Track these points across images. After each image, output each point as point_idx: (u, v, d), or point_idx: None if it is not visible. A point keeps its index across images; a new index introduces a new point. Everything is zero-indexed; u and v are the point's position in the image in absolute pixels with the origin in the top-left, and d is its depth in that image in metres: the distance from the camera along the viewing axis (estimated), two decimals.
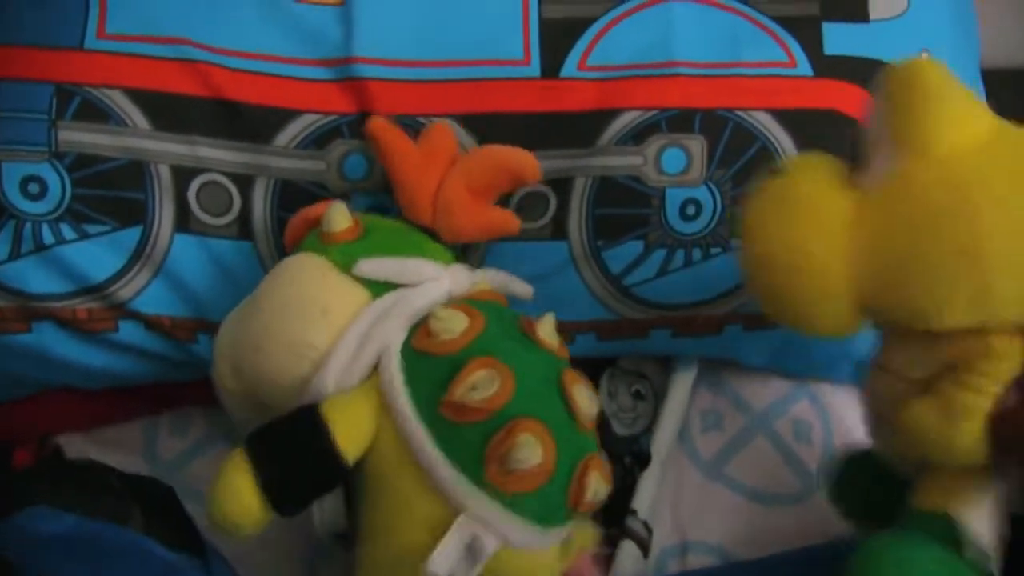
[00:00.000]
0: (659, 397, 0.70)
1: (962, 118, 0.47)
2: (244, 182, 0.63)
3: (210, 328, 0.62)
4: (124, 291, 0.62)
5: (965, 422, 0.47)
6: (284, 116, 0.62)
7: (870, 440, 0.56)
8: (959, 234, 0.45)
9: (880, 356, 0.53)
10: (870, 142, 0.49)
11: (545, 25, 0.64)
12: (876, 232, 0.47)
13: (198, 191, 0.62)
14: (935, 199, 0.46)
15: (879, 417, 0.53)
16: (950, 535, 0.49)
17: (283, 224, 0.61)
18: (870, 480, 0.58)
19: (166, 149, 0.62)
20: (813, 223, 0.48)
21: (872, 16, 0.67)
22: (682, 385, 0.70)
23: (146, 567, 0.49)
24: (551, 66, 0.63)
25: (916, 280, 0.47)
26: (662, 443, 0.68)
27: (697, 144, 0.64)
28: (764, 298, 0.51)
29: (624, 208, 0.64)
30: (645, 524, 0.64)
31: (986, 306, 0.46)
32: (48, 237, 0.61)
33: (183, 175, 0.62)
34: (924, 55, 0.68)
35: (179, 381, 0.67)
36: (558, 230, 0.64)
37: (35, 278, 0.61)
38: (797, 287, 0.48)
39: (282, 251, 0.61)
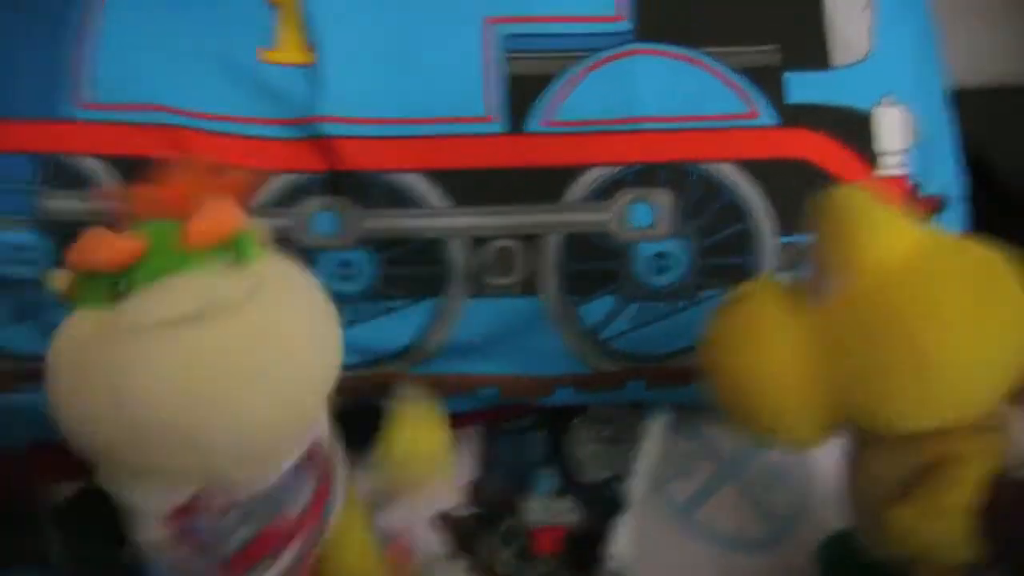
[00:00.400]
0: (632, 441, 0.71)
1: (886, 237, 0.50)
2: None
3: None
4: None
5: (944, 522, 0.49)
6: (259, 176, 0.63)
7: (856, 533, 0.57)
8: (897, 345, 0.48)
9: (857, 458, 0.55)
10: (813, 265, 0.52)
11: (510, 82, 0.65)
12: (826, 348, 0.49)
13: None
14: (871, 314, 0.48)
15: (862, 514, 0.55)
16: None
17: None
18: (857, 562, 0.59)
19: None
20: (764, 347, 0.51)
21: (833, 63, 0.68)
22: (656, 431, 0.70)
23: None
24: (514, 123, 0.64)
25: (867, 389, 0.48)
26: (637, 488, 0.68)
27: (664, 197, 0.64)
28: (731, 417, 0.53)
29: (595, 263, 0.65)
30: (618, 573, 0.65)
31: (934, 410, 0.48)
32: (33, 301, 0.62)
33: None
34: (889, 99, 0.69)
35: None
36: (529, 286, 0.64)
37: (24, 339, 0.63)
38: (758, 408, 0.51)
39: None
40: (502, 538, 0.67)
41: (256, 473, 0.47)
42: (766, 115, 0.66)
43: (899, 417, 0.49)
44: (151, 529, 0.46)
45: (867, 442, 0.54)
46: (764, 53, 0.67)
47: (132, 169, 0.62)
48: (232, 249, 0.45)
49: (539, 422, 0.73)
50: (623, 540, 0.66)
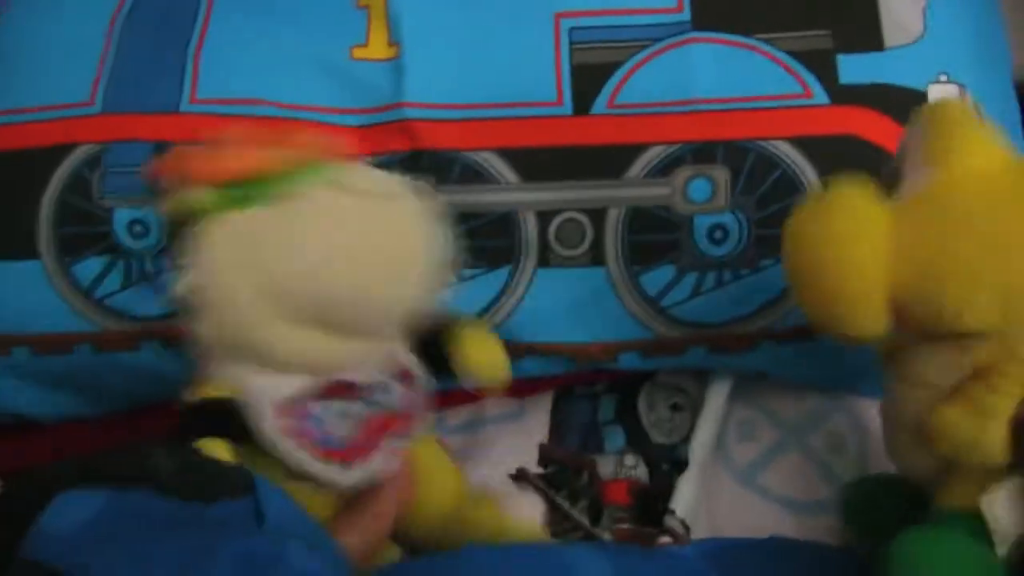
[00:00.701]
0: (696, 410, 0.74)
1: (982, 143, 0.54)
2: None
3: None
4: None
5: (991, 421, 0.52)
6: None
7: (889, 455, 0.60)
8: (983, 234, 0.51)
9: (906, 369, 0.57)
10: (903, 163, 0.56)
11: (576, 70, 0.70)
12: (909, 237, 0.52)
13: None
14: (963, 204, 0.52)
15: (903, 428, 0.57)
16: (980, 532, 0.53)
17: None
18: (881, 503, 0.63)
19: None
20: (857, 228, 0.53)
21: (887, 44, 0.71)
22: (718, 396, 0.74)
23: (192, 533, 0.44)
24: (582, 106, 0.69)
25: (943, 279, 0.51)
26: (699, 449, 0.72)
27: (721, 174, 0.69)
28: (807, 300, 0.56)
29: (655, 235, 0.69)
30: (683, 522, 0.68)
31: (1007, 304, 0.51)
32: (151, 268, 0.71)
33: None
34: (943, 78, 0.71)
35: None
36: (596, 257, 0.69)
37: (142, 303, 0.71)
38: (841, 288, 0.53)
39: None
40: (577, 491, 0.72)
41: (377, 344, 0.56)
42: (819, 95, 0.69)
43: (968, 307, 0.51)
44: (269, 418, 0.52)
45: (920, 350, 0.56)
46: (817, 38, 0.71)
47: None
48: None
49: (610, 387, 0.78)
50: (686, 496, 0.70)
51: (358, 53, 0.73)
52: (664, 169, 0.69)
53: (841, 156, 0.69)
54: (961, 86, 0.71)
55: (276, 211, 0.52)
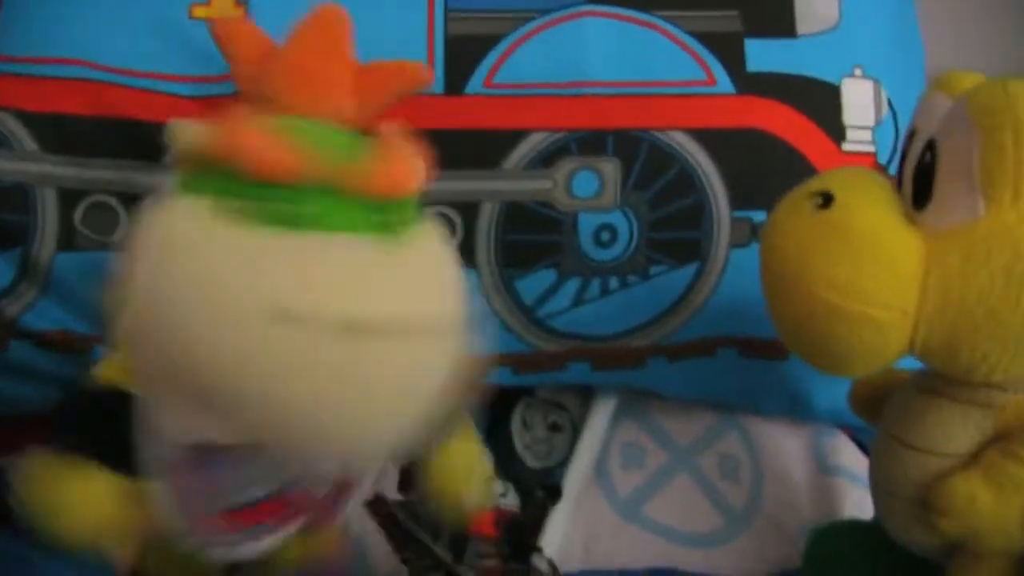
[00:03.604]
0: (577, 430, 0.67)
1: None
2: (132, 201, 0.60)
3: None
4: (12, 308, 0.60)
5: (1017, 498, 0.43)
6: None
7: (882, 522, 0.51)
8: None
9: (907, 426, 0.48)
10: (942, 177, 0.43)
11: (451, 42, 0.61)
12: (950, 280, 0.41)
13: (84, 213, 0.60)
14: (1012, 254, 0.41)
15: (898, 497, 0.48)
16: None
17: None
18: (850, 557, 0.55)
19: (52, 172, 0.60)
20: (888, 268, 0.42)
21: (800, 31, 0.64)
22: (600, 418, 0.66)
23: None
24: (455, 83, 0.60)
25: (979, 332, 0.41)
26: (574, 479, 0.64)
27: (610, 166, 0.60)
28: (808, 346, 0.45)
29: (534, 235, 0.61)
30: (551, 563, 0.61)
31: None
32: None
33: (69, 198, 0.60)
34: (858, 72, 0.65)
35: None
36: (465, 258, 0.61)
37: None
38: (862, 339, 0.42)
39: None
40: (440, 521, 0.63)
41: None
42: (724, 83, 0.62)
43: (1001, 369, 0.42)
44: (167, 450, 0.41)
45: (922, 409, 0.47)
46: (725, 19, 0.63)
47: (43, 124, 0.60)
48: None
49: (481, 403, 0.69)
50: (558, 532, 0.62)
51: (198, 12, 0.62)
52: (546, 160, 0.60)
53: (745, 151, 0.62)
54: (876, 81, 0.65)
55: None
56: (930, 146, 0.44)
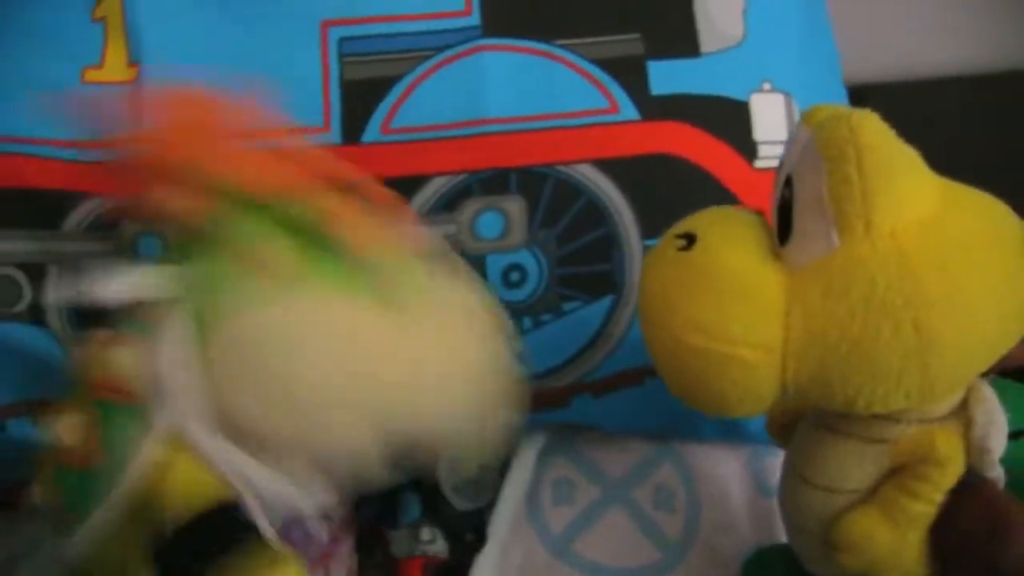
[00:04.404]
0: (506, 467, 0.66)
1: (910, 193, 0.41)
2: (34, 271, 0.60)
3: (16, 412, 0.60)
4: None
5: (913, 532, 0.44)
6: (73, 199, 0.59)
7: (796, 551, 0.51)
8: (906, 321, 0.39)
9: (801, 467, 0.48)
10: (799, 211, 0.42)
11: (347, 88, 0.60)
12: (812, 314, 0.41)
13: None
14: (882, 282, 0.40)
15: (805, 531, 0.48)
16: None
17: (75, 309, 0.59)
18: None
19: None
20: (750, 306, 0.41)
21: (704, 50, 0.62)
22: (527, 455, 0.65)
23: None
24: (352, 132, 0.59)
25: (857, 364, 0.41)
26: (501, 519, 0.63)
27: (515, 205, 0.59)
28: (684, 391, 0.44)
29: None
30: None
31: (924, 392, 0.41)
32: None
33: None
34: (767, 86, 0.63)
35: None
36: None
37: None
38: (733, 380, 0.42)
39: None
40: (368, 572, 0.62)
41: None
42: (627, 109, 0.61)
43: (879, 402, 0.41)
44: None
45: (816, 447, 0.46)
46: (626, 43, 0.62)
47: None
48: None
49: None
50: (485, 574, 0.61)
51: (91, 75, 0.61)
52: (449, 204, 0.59)
53: (654, 178, 0.61)
54: (787, 94, 0.63)
55: None
56: (788, 181, 0.43)
